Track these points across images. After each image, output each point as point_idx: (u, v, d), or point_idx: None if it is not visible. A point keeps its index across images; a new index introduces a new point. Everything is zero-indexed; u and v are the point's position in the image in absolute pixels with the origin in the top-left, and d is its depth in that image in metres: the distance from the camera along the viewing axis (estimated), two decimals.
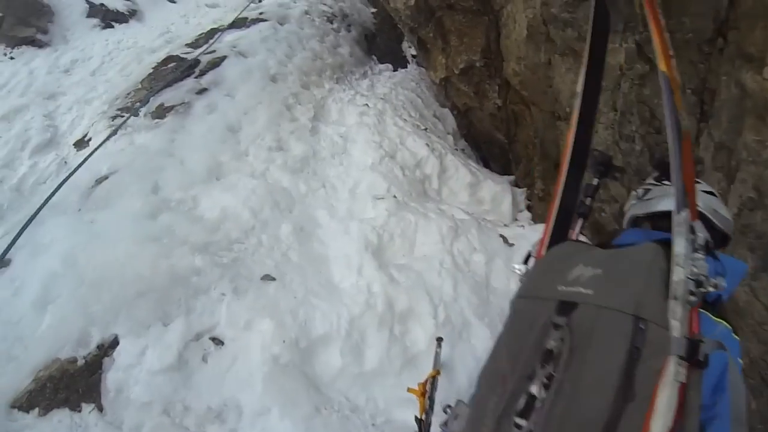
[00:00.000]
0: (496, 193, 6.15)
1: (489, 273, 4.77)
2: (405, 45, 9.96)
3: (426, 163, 6.28)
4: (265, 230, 5.03)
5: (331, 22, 9.38)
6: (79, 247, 4.35)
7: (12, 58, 7.86)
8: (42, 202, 4.80)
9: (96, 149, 5.59)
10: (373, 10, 10.59)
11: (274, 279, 4.49)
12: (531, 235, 5.14)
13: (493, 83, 6.31)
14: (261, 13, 8.99)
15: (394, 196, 5.59)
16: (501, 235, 5.33)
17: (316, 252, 4.97)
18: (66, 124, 6.84)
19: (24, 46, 8.09)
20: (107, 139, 5.86)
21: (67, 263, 4.21)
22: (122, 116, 6.59)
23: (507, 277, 4.66)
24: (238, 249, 4.77)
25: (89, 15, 9.26)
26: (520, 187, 6.43)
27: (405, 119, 7.19)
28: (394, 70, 9.08)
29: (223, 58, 7.43)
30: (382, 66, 9.11)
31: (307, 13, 9.26)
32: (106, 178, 5.40)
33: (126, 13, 9.69)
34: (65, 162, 6.21)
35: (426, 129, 7.30)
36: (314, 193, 5.69)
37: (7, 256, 4.30)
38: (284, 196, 5.50)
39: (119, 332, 3.80)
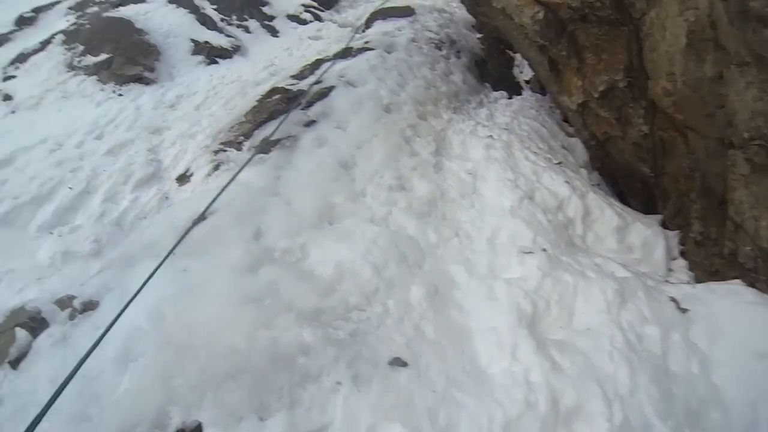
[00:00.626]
0: (647, 237, 5.14)
1: (666, 352, 3.61)
2: (516, 71, 9.49)
3: (568, 205, 5.40)
4: (391, 293, 4.27)
5: (440, 49, 8.99)
6: (167, 300, 3.88)
7: (120, 95, 7.88)
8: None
9: (234, 176, 5.04)
10: (479, 35, 10.18)
11: (405, 364, 3.64)
12: (705, 297, 3.99)
13: (637, 107, 5.33)
14: (366, 42, 8.71)
15: (544, 250, 4.67)
16: (671, 298, 4.17)
17: (456, 323, 4.13)
18: (169, 158, 6.61)
19: (132, 84, 8.12)
20: (242, 168, 5.29)
21: (153, 318, 3.75)
22: (225, 150, 6.29)
23: (687, 358, 3.52)
24: (358, 319, 4.02)
25: (194, 52, 9.30)
26: (669, 229, 5.36)
27: (535, 152, 6.39)
28: (510, 98, 8.46)
29: (330, 89, 7.04)
30: (496, 93, 8.54)
31: (413, 40, 8.89)
32: (204, 218, 4.99)
33: (230, 48, 9.69)
34: (166, 197, 5.92)
35: (560, 163, 6.43)
36: (446, 244, 4.92)
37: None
38: (412, 247, 4.77)
39: (203, 420, 3.15)
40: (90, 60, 8.52)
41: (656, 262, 4.98)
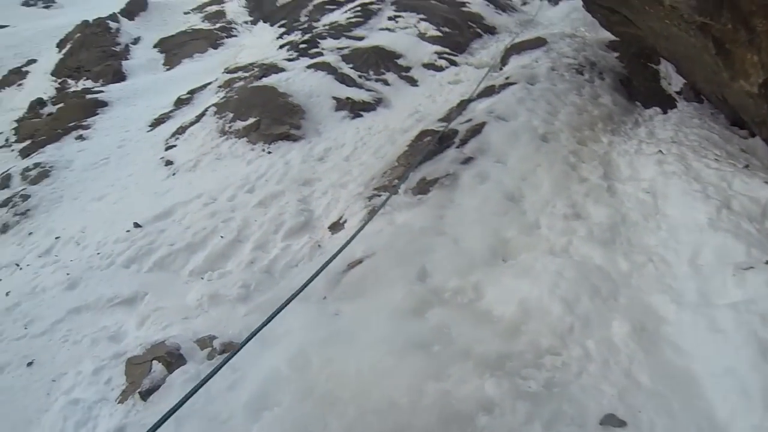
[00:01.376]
0: None
1: None
2: (664, 83, 8.73)
3: None
4: (589, 332, 3.52)
5: (581, 73, 8.64)
6: (313, 346, 3.55)
7: (269, 152, 7.98)
8: (296, 286, 3.99)
9: (366, 223, 4.79)
10: (616, 54, 9.76)
11: (623, 423, 2.81)
12: None
13: None
14: (507, 78, 8.47)
15: (767, 263, 3.66)
16: None
17: (675, 366, 3.22)
18: (321, 208, 6.44)
19: (280, 141, 8.22)
20: (374, 215, 5.10)
21: (295, 364, 3.44)
22: (379, 195, 5.94)
23: None
24: (552, 366, 3.30)
25: (337, 109, 9.31)
26: None
27: (715, 159, 5.56)
28: (665, 112, 7.68)
29: (482, 125, 6.68)
30: (649, 111, 7.80)
31: (553, 69, 8.64)
32: (360, 262, 4.55)
33: (372, 101, 9.63)
34: (319, 245, 5.69)
35: (747, 166, 5.50)
36: (640, 271, 4.13)
37: (237, 340, 3.93)
38: (602, 278, 4.05)
39: None
40: (239, 125, 8.82)
41: None
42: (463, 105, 7.91)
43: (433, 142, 6.48)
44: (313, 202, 6.59)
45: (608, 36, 10.39)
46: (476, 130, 6.60)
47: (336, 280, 4.52)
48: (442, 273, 4.24)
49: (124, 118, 11.52)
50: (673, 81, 8.81)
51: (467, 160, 5.98)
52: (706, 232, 4.27)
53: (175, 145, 9.11)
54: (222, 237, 5.95)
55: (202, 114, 9.83)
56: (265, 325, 3.29)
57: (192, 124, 9.65)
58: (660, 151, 5.93)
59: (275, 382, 3.37)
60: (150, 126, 10.82)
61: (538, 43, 10.28)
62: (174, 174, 8.05)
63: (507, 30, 13.66)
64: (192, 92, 12.20)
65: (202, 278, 5.37)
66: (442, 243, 4.61)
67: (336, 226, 5.90)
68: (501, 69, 9.81)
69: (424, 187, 5.64)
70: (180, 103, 11.80)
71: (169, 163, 8.43)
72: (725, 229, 4.22)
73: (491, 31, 13.63)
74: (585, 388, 3.10)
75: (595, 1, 8.78)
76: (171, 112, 11.39)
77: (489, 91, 8.12)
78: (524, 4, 16.91)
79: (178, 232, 6.13)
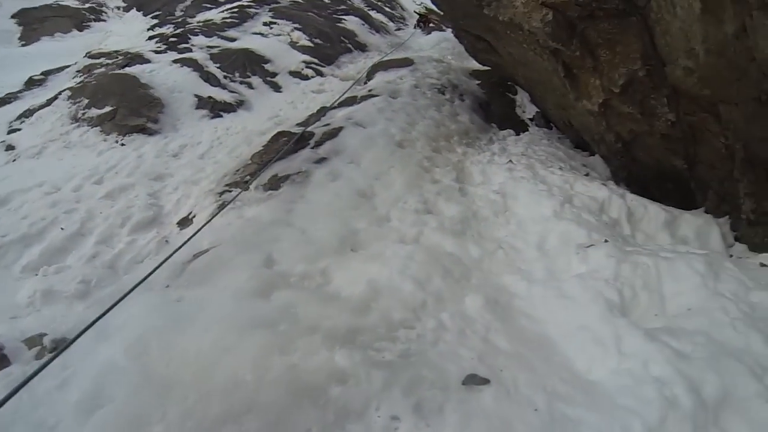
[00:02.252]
0: (699, 227, 4.93)
1: None
2: (519, 110, 9.48)
3: (610, 206, 5.24)
4: (442, 307, 3.83)
5: (443, 93, 9.14)
6: (153, 332, 3.33)
7: (123, 144, 7.58)
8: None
9: (212, 218, 4.76)
10: (478, 81, 10.34)
11: (486, 381, 3.00)
12: None
13: (659, 96, 5.12)
14: (370, 90, 8.79)
15: (606, 240, 4.34)
16: (762, 264, 3.99)
17: (531, 331, 3.64)
18: (171, 203, 6.25)
19: (135, 134, 7.85)
20: (223, 207, 5.09)
21: (132, 352, 3.18)
22: (230, 191, 5.94)
23: None
24: (407, 338, 3.50)
25: (198, 107, 9.09)
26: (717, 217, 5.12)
27: (559, 168, 6.33)
28: (517, 134, 8.41)
29: (339, 129, 6.91)
30: (503, 132, 8.45)
31: (416, 86, 9.09)
32: (206, 251, 4.54)
33: (234, 103, 9.51)
34: (166, 241, 5.49)
35: (587, 174, 6.45)
36: (491, 257, 4.64)
37: (70, 336, 3.36)
38: (453, 261, 4.46)
39: None
40: (94, 112, 8.30)
41: (715, 249, 4.65)
42: (322, 111, 8.11)
43: (290, 143, 6.60)
44: (163, 198, 6.39)
45: (473, 65, 11.24)
46: (333, 133, 6.78)
47: (180, 270, 4.38)
48: (289, 260, 4.29)
49: None
50: (527, 109, 9.60)
51: (321, 160, 6.12)
52: (551, 221, 4.86)
53: (19, 129, 8.38)
54: (62, 229, 5.53)
55: (55, 97, 9.13)
56: (102, 316, 3.08)
57: (42, 107, 8.94)
58: (510, 161, 6.64)
59: (110, 375, 3.11)
60: None
61: (406, 63, 10.76)
62: (14, 160, 7.37)
63: (378, 49, 14.23)
64: (47, 73, 11.28)
65: (36, 274, 4.90)
66: (290, 234, 4.67)
67: (185, 222, 5.76)
68: (366, 83, 10.14)
69: (275, 184, 5.68)
70: (31, 83, 10.91)
71: (10, 147, 7.71)
72: (568, 219, 4.84)
73: (362, 48, 14.12)
74: (443, 354, 3.31)
75: (463, 28, 9.52)
76: (20, 92, 10.48)
77: (351, 101, 8.37)
78: (398, 29, 17.67)
79: (12, 222, 5.58)
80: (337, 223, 4.87)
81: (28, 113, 8.86)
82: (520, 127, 8.75)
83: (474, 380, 3.01)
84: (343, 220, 4.93)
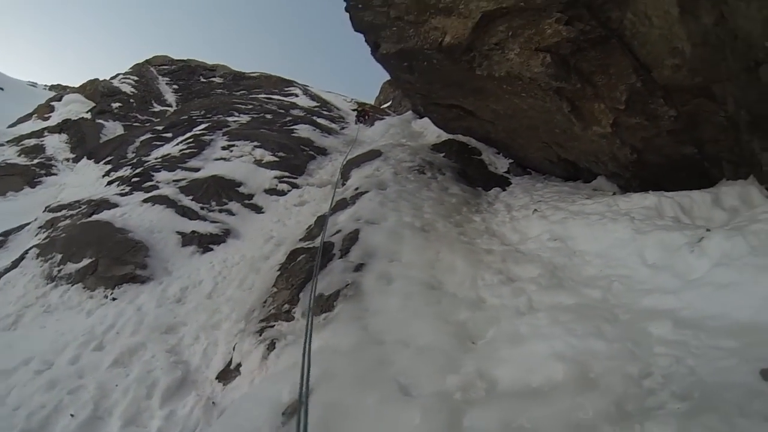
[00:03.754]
0: (739, 193, 4.91)
1: None
2: (491, 168, 9.91)
3: (662, 207, 5.21)
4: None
5: (424, 173, 9.19)
6: None
7: (114, 298, 6.39)
8: None
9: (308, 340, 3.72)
10: (442, 153, 10.69)
11: None
12: None
13: (656, 98, 5.41)
14: (357, 189, 8.34)
15: (708, 230, 4.30)
16: None
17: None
18: (197, 356, 5.17)
19: (125, 285, 6.70)
20: (273, 347, 4.05)
21: None
22: (271, 326, 4.91)
23: None
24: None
25: (184, 244, 8.11)
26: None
27: (583, 199, 6.49)
28: (504, 190, 8.62)
29: (356, 232, 6.20)
30: (492, 191, 8.58)
31: (396, 173, 9.00)
32: (295, 405, 3.46)
33: (220, 233, 8.58)
34: (213, 403, 4.37)
35: (614, 193, 6.69)
36: (610, 291, 4.13)
37: None
38: (589, 309, 3.90)
39: None
40: (71, 267, 7.10)
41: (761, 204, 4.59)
42: (321, 221, 7.39)
43: (317, 258, 5.71)
44: (185, 352, 5.30)
45: (428, 141, 11.56)
46: (352, 237, 6.04)
47: None
48: (427, 379, 3.27)
49: None
50: (497, 165, 9.92)
51: (359, 267, 5.29)
52: (636, 239, 4.57)
53: None
54: (72, 415, 4.30)
55: (21, 258, 7.94)
56: None
57: (8, 270, 7.69)
58: (535, 209, 6.43)
59: None
60: None
61: (374, 155, 10.61)
62: None
63: (336, 150, 14.07)
64: (6, 234, 10.00)
65: None
66: (395, 350, 3.68)
67: (227, 374, 4.65)
68: (344, 184, 9.70)
69: (325, 305, 4.72)
70: None
71: None
72: (648, 230, 4.59)
73: (323, 152, 13.86)
74: None
75: (434, 102, 9.64)
76: None
77: (343, 204, 7.79)
78: (343, 128, 17.87)
79: (3, 416, 4.31)
80: (435, 322, 4.02)
81: None
82: (502, 183, 8.93)
83: None
84: (438, 318, 4.09)
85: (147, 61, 34.14)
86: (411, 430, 2.78)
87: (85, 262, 7.18)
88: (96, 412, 4.38)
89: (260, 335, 4.82)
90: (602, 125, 6.08)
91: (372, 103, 31.42)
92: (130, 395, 4.55)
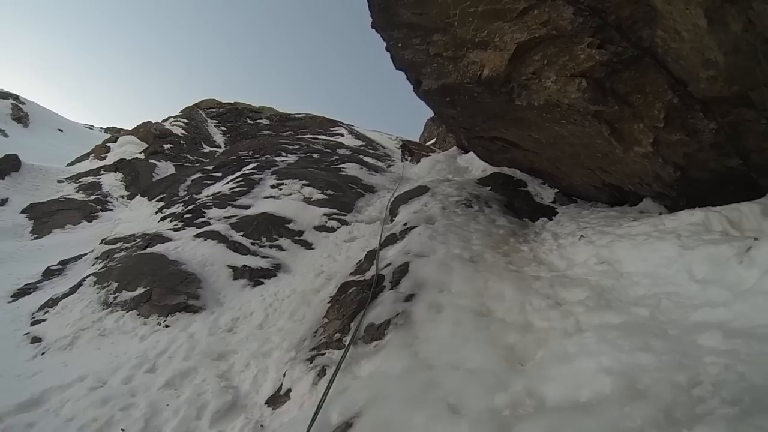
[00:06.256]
0: None
1: None
2: (537, 199, 10.10)
3: (710, 222, 5.30)
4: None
5: (471, 206, 9.31)
6: None
7: (167, 326, 6.79)
8: None
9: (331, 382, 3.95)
10: (488, 187, 10.95)
11: None
12: None
13: (695, 112, 5.48)
14: (405, 224, 8.55)
15: (756, 239, 4.42)
16: None
17: None
18: (247, 382, 5.40)
19: (177, 313, 7.11)
20: (323, 374, 4.23)
21: None
22: (322, 354, 5.09)
23: None
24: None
25: (235, 277, 8.50)
26: None
27: (629, 222, 6.49)
28: (550, 219, 8.56)
29: (406, 264, 6.35)
30: (539, 222, 8.54)
31: (444, 208, 9.17)
32: (349, 426, 3.59)
33: (271, 268, 8.96)
34: (261, 426, 4.56)
35: (660, 213, 6.76)
36: (659, 308, 4.16)
37: None
38: (638, 326, 3.95)
39: None
40: (126, 295, 7.59)
41: None
42: (371, 256, 7.63)
43: (372, 289, 5.92)
44: (235, 378, 5.55)
45: (475, 176, 11.75)
46: (402, 270, 6.21)
47: None
48: (475, 398, 3.41)
49: None
50: (543, 196, 10.03)
51: (409, 297, 5.44)
52: (683, 256, 4.67)
53: (44, 320, 7.64)
54: (123, 430, 4.58)
55: (79, 284, 8.51)
56: None
57: (66, 295, 8.28)
58: (582, 235, 6.59)
59: None
60: (12, 296, 9.18)
61: (422, 191, 10.87)
62: (43, 353, 6.52)
63: (384, 187, 14.41)
64: (64, 263, 10.85)
65: None
66: (443, 374, 3.81)
67: (276, 399, 4.83)
68: (392, 220, 9.96)
69: (376, 333, 4.90)
70: (50, 273, 10.41)
71: (36, 339, 6.93)
72: (695, 246, 4.69)
73: (371, 189, 14.21)
74: None
75: (477, 135, 9.92)
76: (39, 282, 9.91)
77: (392, 239, 8.00)
78: (389, 166, 18.24)
79: (56, 427, 4.65)
80: (484, 346, 4.14)
81: (51, 303, 8.20)
82: (549, 213, 8.98)
83: None
84: (487, 342, 4.21)
85: (196, 105, 36.25)
86: None
87: (140, 290, 7.64)
88: (146, 429, 4.66)
89: (311, 362, 5.00)
90: (643, 145, 6.16)
91: (417, 140, 32.01)
92: (181, 415, 4.81)
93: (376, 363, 4.33)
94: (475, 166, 13.73)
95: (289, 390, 4.81)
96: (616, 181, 7.71)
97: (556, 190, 9.98)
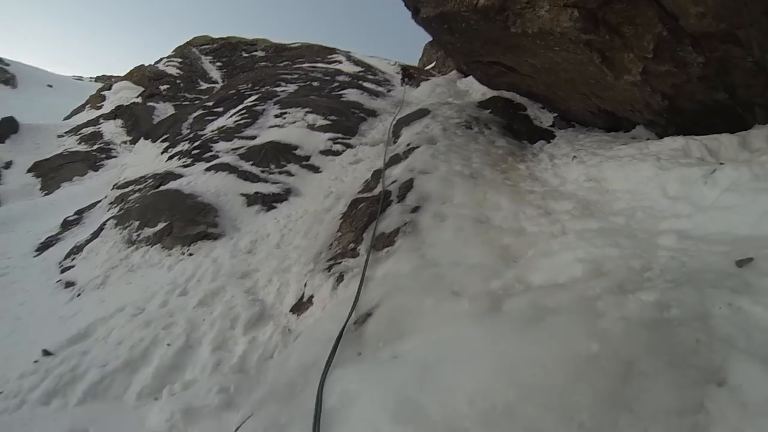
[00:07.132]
0: (767, 136, 5.31)
1: None
2: (536, 122, 10.22)
3: (690, 149, 5.66)
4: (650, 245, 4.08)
5: (471, 128, 9.42)
6: (410, 389, 2.75)
7: (191, 254, 7.30)
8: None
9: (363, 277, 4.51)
10: (488, 110, 10.98)
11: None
12: None
13: (684, 46, 5.67)
14: (408, 145, 8.79)
15: (722, 163, 4.94)
16: None
17: None
18: (272, 295, 5.95)
19: (199, 242, 7.61)
20: (342, 278, 4.66)
21: (399, 415, 2.58)
22: (339, 263, 5.56)
23: None
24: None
25: (249, 204, 8.95)
26: None
27: (620, 146, 6.81)
28: (549, 142, 8.72)
29: (411, 181, 6.72)
30: (537, 144, 8.69)
31: (445, 129, 9.29)
32: (369, 315, 4.04)
33: (282, 192, 9.37)
34: (289, 330, 5.14)
35: (648, 139, 7.12)
36: (633, 218, 4.77)
37: None
38: (614, 231, 4.51)
39: None
40: (148, 231, 8.08)
41: None
42: (377, 175, 8.02)
43: (380, 202, 6.35)
44: (260, 292, 6.11)
45: (475, 99, 11.80)
46: (407, 186, 6.59)
47: (354, 338, 3.78)
48: (474, 282, 3.97)
49: (3, 246, 10.21)
50: (542, 120, 10.14)
51: (415, 209, 5.87)
52: (659, 176, 5.18)
53: (72, 266, 8.15)
54: (169, 345, 5.13)
55: (101, 229, 9.01)
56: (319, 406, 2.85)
57: (89, 241, 8.79)
58: (574, 156, 7.01)
59: None
60: (37, 251, 9.71)
61: (422, 113, 11.01)
62: (79, 295, 7.07)
63: (386, 111, 14.48)
64: (80, 212, 11.32)
65: (156, 398, 4.48)
66: (448, 269, 4.33)
67: (300, 307, 5.37)
68: (396, 141, 10.21)
69: (386, 241, 5.36)
70: (68, 224, 10.93)
71: (69, 284, 7.47)
72: (671, 168, 5.17)
73: (373, 114, 14.33)
74: None
75: (475, 60, 10.01)
76: (59, 234, 10.44)
77: (396, 159, 8.30)
78: (389, 90, 18.17)
79: (107, 351, 5.17)
80: (483, 247, 4.68)
81: (76, 250, 8.71)
82: (547, 136, 9.13)
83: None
84: (486, 244, 4.74)
85: (188, 43, 35.53)
86: (460, 313, 3.50)
87: (161, 225, 8.13)
88: (188, 342, 5.22)
89: (329, 271, 5.52)
90: (632, 73, 6.40)
91: (416, 64, 31.50)
92: (216, 327, 5.38)
93: (389, 266, 4.80)
94: (475, 89, 13.72)
95: (312, 297, 5.32)
96: (609, 107, 8.00)
97: (555, 115, 10.17)
